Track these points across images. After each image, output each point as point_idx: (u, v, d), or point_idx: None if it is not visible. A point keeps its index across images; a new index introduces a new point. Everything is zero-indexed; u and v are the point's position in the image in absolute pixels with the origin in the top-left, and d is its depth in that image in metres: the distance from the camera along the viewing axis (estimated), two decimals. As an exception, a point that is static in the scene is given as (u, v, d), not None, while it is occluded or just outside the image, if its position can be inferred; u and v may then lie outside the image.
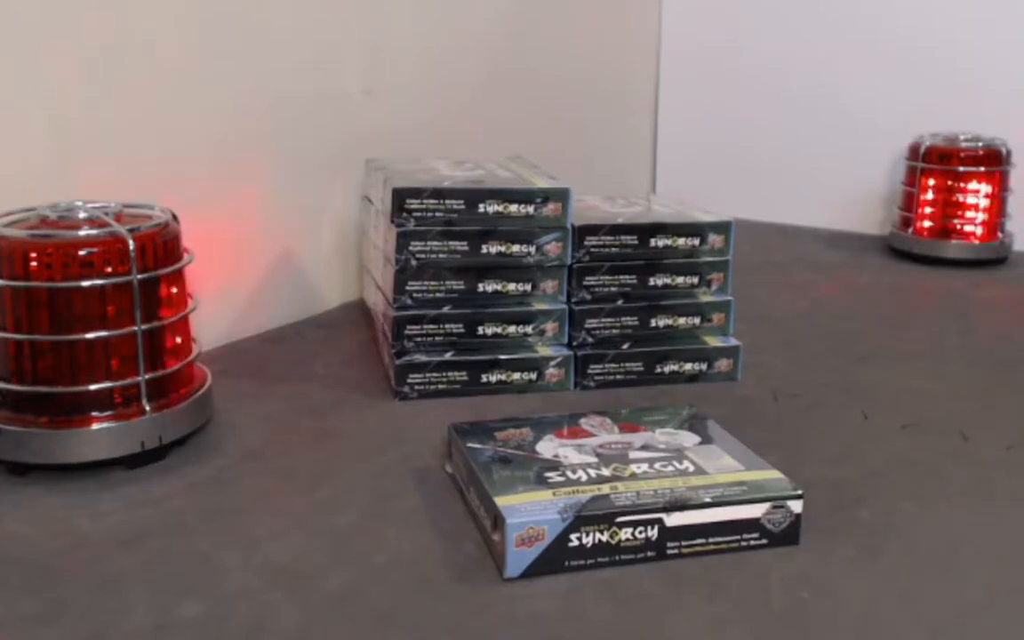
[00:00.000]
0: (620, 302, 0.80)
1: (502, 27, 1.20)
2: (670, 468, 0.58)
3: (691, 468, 0.58)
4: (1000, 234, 1.24)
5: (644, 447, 0.61)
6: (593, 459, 0.59)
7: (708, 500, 0.54)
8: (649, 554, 0.53)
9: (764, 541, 0.55)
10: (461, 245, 0.76)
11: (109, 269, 0.61)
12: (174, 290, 0.66)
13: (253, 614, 0.49)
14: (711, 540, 0.54)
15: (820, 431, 0.72)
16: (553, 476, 0.56)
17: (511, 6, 1.22)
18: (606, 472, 0.57)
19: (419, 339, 0.76)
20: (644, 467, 0.58)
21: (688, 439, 0.63)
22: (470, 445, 0.60)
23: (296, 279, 0.97)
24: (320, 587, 0.51)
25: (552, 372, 0.78)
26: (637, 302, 0.80)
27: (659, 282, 0.80)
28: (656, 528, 0.53)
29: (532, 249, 0.77)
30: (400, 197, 0.75)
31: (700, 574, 0.52)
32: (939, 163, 1.24)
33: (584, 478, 0.56)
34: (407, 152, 0.93)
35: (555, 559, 0.52)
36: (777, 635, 0.48)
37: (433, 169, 0.83)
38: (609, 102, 1.44)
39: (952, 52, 1.31)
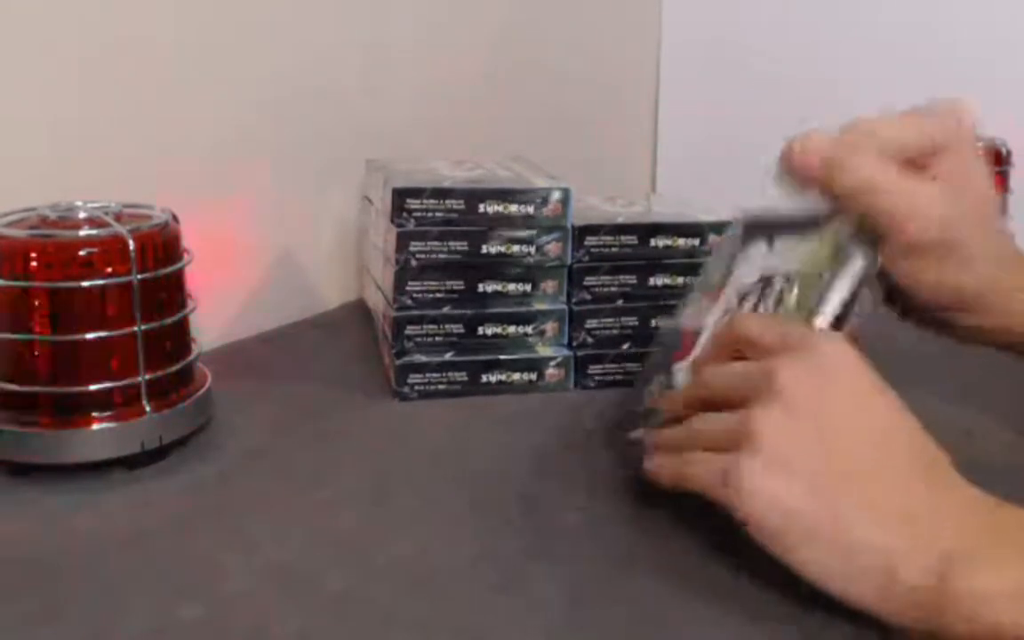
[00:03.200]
0: (620, 302, 0.80)
1: (502, 27, 1.20)
2: (773, 295, 0.58)
3: (785, 280, 0.58)
4: (1000, 234, 1.24)
5: (740, 298, 0.60)
6: None
7: None
8: None
9: None
10: (461, 245, 0.76)
11: (109, 269, 0.61)
12: (174, 290, 0.66)
13: (254, 615, 0.49)
14: None
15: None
16: None
17: (511, 6, 1.22)
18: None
19: (419, 339, 0.76)
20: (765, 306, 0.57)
21: (755, 263, 0.61)
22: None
23: (296, 279, 0.97)
24: (321, 588, 0.51)
25: (552, 372, 0.78)
26: (637, 302, 0.80)
27: (659, 282, 0.80)
28: None
29: (532, 249, 0.77)
30: (400, 197, 0.75)
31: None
32: (939, 163, 1.23)
33: None
34: (407, 152, 0.93)
35: None
36: (777, 635, 0.48)
37: (433, 169, 0.83)
38: (609, 101, 1.44)
39: (953, 52, 1.31)
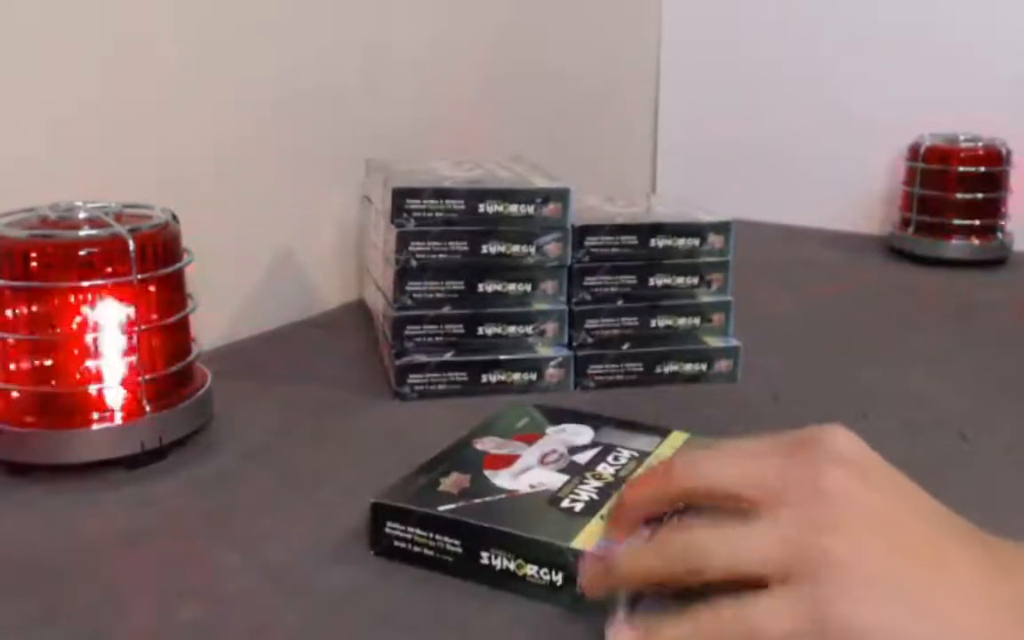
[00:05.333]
0: (620, 302, 0.80)
1: (502, 27, 1.20)
2: (625, 459, 0.58)
3: (635, 454, 0.58)
4: (1000, 234, 1.24)
5: (572, 450, 0.59)
6: (561, 476, 0.56)
7: None
8: None
9: None
10: (461, 245, 0.76)
11: (109, 269, 0.61)
12: (174, 290, 0.66)
13: (253, 615, 0.49)
14: None
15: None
16: (567, 501, 0.53)
17: (511, 6, 1.22)
18: (596, 483, 0.55)
19: (419, 339, 0.76)
20: (609, 468, 0.57)
21: (582, 432, 0.62)
22: (433, 509, 0.53)
23: (296, 279, 0.97)
24: (321, 588, 0.51)
25: (552, 372, 0.78)
26: (637, 302, 0.80)
27: (659, 282, 0.80)
28: None
29: (532, 249, 0.77)
30: (400, 197, 0.75)
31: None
32: (939, 163, 1.24)
33: (589, 495, 0.54)
34: (407, 152, 0.93)
35: None
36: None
37: (433, 169, 0.83)
38: (609, 101, 1.44)
39: (953, 52, 1.31)
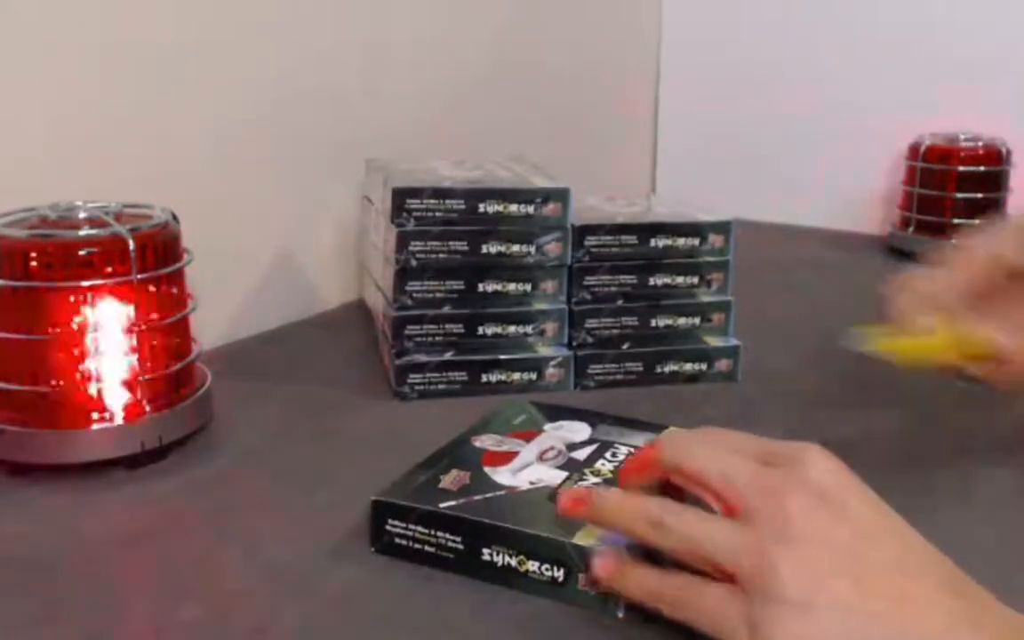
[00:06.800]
0: (620, 302, 0.80)
1: (502, 27, 1.20)
2: (622, 455, 0.58)
3: (632, 450, 0.59)
4: (1000, 234, 1.24)
5: (571, 447, 0.60)
6: (560, 472, 0.56)
7: None
8: None
9: None
10: (461, 245, 0.76)
11: (109, 269, 0.61)
12: (174, 290, 0.66)
13: (253, 615, 0.49)
14: None
15: (819, 432, 0.71)
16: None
17: (511, 6, 1.22)
18: (595, 479, 0.56)
19: (419, 339, 0.76)
20: (608, 465, 0.57)
21: (580, 429, 0.62)
22: (434, 506, 0.53)
23: (296, 279, 0.97)
24: (321, 588, 0.51)
25: (552, 372, 0.78)
26: (637, 302, 0.80)
27: (659, 282, 0.80)
28: None
29: (532, 249, 0.77)
30: (400, 197, 0.75)
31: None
32: (939, 163, 1.24)
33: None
34: (407, 152, 0.93)
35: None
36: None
37: (433, 169, 0.83)
38: (609, 101, 1.44)
39: (953, 52, 1.31)
